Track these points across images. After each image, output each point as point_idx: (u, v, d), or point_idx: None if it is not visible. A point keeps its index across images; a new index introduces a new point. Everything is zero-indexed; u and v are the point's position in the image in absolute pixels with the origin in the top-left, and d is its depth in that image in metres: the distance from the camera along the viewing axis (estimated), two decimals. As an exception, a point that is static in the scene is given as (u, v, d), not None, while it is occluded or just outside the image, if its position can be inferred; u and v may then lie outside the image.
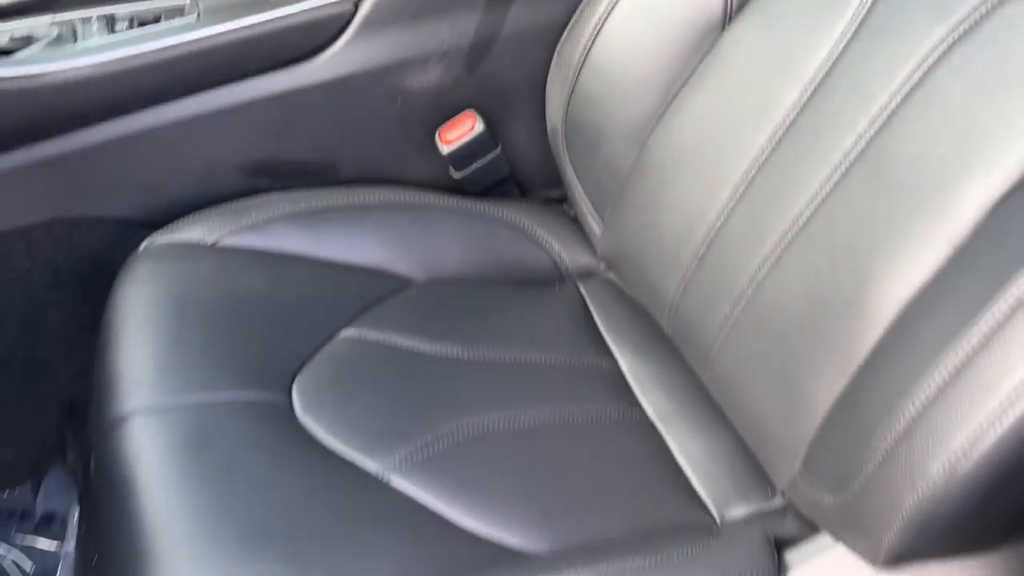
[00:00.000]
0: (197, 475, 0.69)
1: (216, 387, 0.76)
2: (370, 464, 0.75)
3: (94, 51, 0.87)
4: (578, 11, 0.98)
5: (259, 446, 0.73)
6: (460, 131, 1.01)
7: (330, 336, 0.86)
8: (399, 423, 0.79)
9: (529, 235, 1.05)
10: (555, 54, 1.00)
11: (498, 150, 1.05)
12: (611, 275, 1.05)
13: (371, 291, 0.94)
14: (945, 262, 0.65)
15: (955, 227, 0.65)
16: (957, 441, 0.57)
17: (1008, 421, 0.55)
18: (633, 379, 0.92)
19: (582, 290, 1.03)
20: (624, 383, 0.92)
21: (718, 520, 0.79)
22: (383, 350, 0.87)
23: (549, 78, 1.01)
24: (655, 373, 0.93)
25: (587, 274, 1.05)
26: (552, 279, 1.05)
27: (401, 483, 0.74)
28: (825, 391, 0.72)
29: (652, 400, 0.90)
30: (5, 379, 1.01)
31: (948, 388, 0.58)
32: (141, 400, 0.74)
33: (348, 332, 0.88)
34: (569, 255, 1.05)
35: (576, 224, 1.08)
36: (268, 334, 0.83)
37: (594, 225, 1.03)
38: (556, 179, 1.07)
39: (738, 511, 0.79)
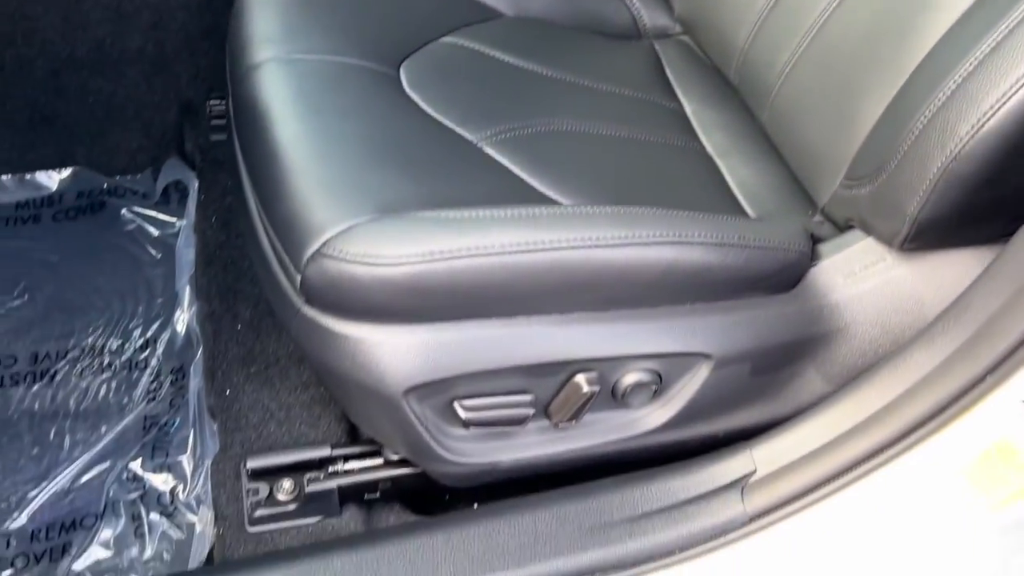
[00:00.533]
0: (326, 110, 0.80)
1: (339, 52, 0.87)
2: (467, 134, 0.87)
3: None
4: None
5: (377, 99, 0.84)
6: None
7: (433, 38, 0.97)
8: (491, 109, 0.90)
9: (614, -9, 1.13)
10: None
11: None
12: (685, 38, 1.14)
13: (467, 14, 1.03)
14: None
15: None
16: (987, 103, 0.66)
17: (1035, 80, 0.64)
18: (696, 120, 1.02)
19: (656, 47, 1.12)
20: (688, 123, 1.01)
21: (761, 226, 0.89)
22: (479, 56, 0.97)
23: None
24: (716, 118, 1.02)
25: (663, 34, 1.14)
26: (630, 35, 1.13)
27: (491, 151, 0.86)
28: (873, 108, 0.81)
29: (711, 138, 1.00)
30: (134, 72, 1.13)
31: (986, 59, 0.67)
32: (275, 51, 0.85)
33: (448, 39, 0.98)
34: (648, 14, 1.13)
35: (658, -12, 1.16)
36: (380, 27, 0.94)
37: (675, -16, 1.11)
38: (642, -58, 1.14)
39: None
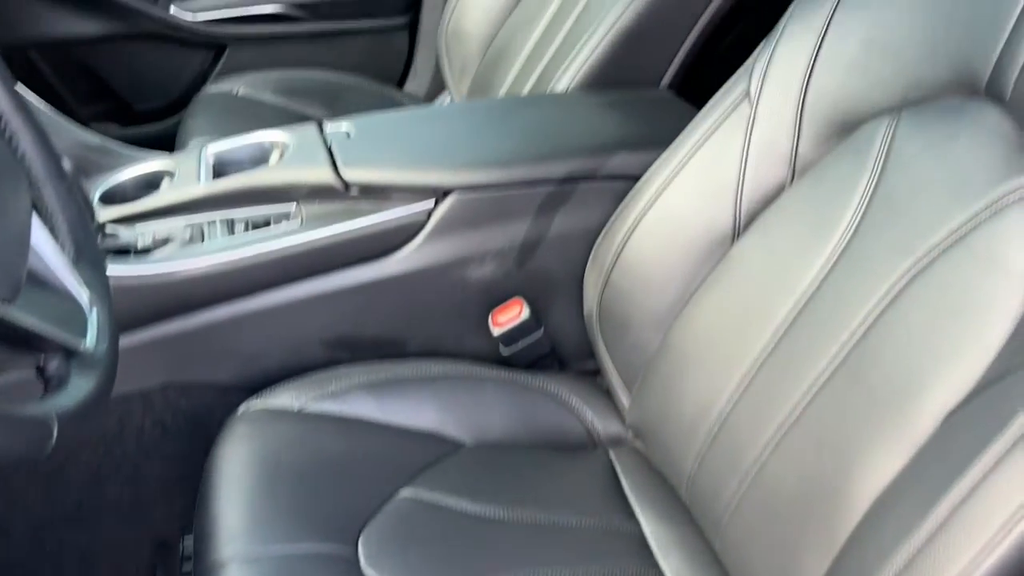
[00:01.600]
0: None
1: (297, 539, 0.91)
2: (423, 612, 0.89)
3: (217, 251, 1.08)
4: (612, 219, 1.17)
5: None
6: (509, 315, 1.19)
7: (391, 496, 1.01)
8: (449, 569, 0.93)
9: (566, 405, 1.20)
10: (592, 253, 1.19)
11: (541, 331, 1.22)
12: (638, 444, 1.19)
13: (427, 453, 1.09)
14: (908, 462, 0.78)
15: (916, 432, 0.78)
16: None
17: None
18: (654, 543, 1.04)
19: (612, 456, 1.17)
20: (646, 546, 1.04)
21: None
22: (435, 510, 1.02)
23: (586, 273, 1.19)
24: (674, 537, 1.04)
25: (617, 442, 1.19)
26: (585, 445, 1.19)
27: (448, 632, 0.87)
28: (815, 565, 0.84)
29: (670, 563, 1.01)
30: (111, 518, 1.17)
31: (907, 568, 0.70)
32: (237, 549, 0.89)
33: (406, 492, 1.03)
34: (601, 424, 1.20)
35: (609, 396, 1.23)
36: (340, 494, 0.99)
37: (623, 397, 1.18)
38: (591, 353, 1.23)
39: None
